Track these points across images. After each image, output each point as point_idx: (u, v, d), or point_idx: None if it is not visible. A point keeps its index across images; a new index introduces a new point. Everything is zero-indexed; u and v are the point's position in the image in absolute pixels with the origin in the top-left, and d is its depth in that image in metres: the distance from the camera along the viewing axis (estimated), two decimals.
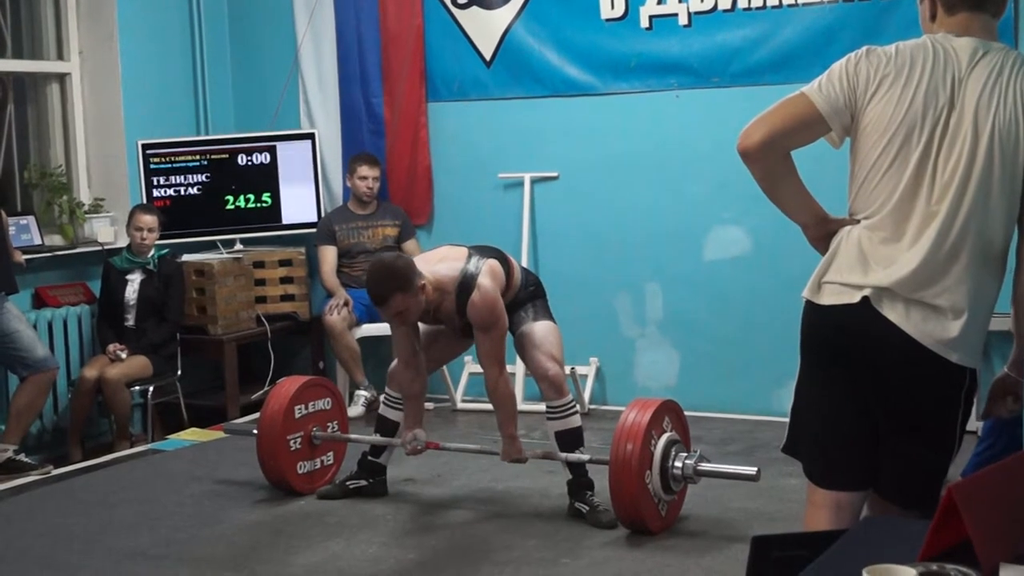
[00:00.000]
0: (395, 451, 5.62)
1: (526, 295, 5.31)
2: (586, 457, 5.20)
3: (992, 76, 2.98)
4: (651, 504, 4.95)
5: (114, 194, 7.61)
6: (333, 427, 5.83)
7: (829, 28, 6.49)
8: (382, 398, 5.70)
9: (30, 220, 7.14)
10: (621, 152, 7.16)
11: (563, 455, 5.22)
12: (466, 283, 5.06)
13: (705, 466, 5.04)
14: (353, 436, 5.89)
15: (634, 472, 4.83)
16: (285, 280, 7.85)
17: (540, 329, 5.28)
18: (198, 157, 7.78)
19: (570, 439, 5.24)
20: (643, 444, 4.86)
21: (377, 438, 5.60)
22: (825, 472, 3.20)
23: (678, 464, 5.00)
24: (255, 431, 5.69)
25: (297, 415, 5.64)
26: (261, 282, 7.79)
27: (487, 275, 5.06)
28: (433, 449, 5.49)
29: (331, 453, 5.86)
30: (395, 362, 5.53)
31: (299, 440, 5.65)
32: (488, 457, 5.83)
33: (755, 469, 4.98)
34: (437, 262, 5.17)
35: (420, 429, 5.38)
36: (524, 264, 7.19)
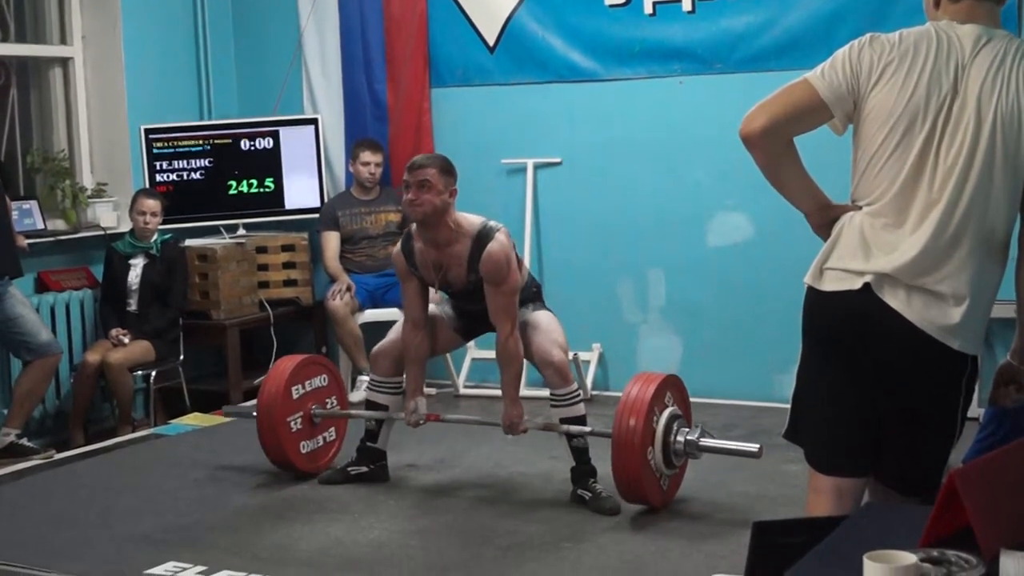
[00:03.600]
0: (392, 434, 5.63)
1: (528, 295, 5.32)
2: (587, 429, 5.20)
3: (995, 63, 2.98)
4: (653, 479, 4.97)
5: (117, 179, 7.61)
6: (332, 403, 5.83)
7: (833, 15, 6.47)
8: (367, 383, 5.70)
9: (33, 205, 7.14)
10: (624, 138, 7.16)
11: (564, 427, 5.21)
12: (485, 233, 5.10)
13: (707, 442, 5.05)
14: (352, 412, 5.89)
15: (636, 448, 4.84)
16: (288, 265, 7.86)
17: (543, 317, 5.31)
18: (201, 142, 7.78)
19: (574, 426, 5.24)
20: (646, 420, 4.87)
21: (374, 413, 5.59)
22: (826, 458, 3.21)
23: (680, 439, 5.01)
24: (255, 413, 5.69)
25: (295, 396, 5.63)
26: (264, 267, 7.79)
27: (504, 234, 5.12)
28: (434, 421, 5.49)
29: (332, 429, 5.86)
30: (380, 344, 5.54)
31: (299, 420, 5.65)
32: (490, 443, 5.85)
33: (757, 446, 4.98)
34: None
35: (422, 398, 5.39)
36: (527, 250, 7.21)
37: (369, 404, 5.62)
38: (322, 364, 5.92)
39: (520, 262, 5.31)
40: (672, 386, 5.13)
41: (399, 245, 5.35)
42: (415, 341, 5.34)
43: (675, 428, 5.01)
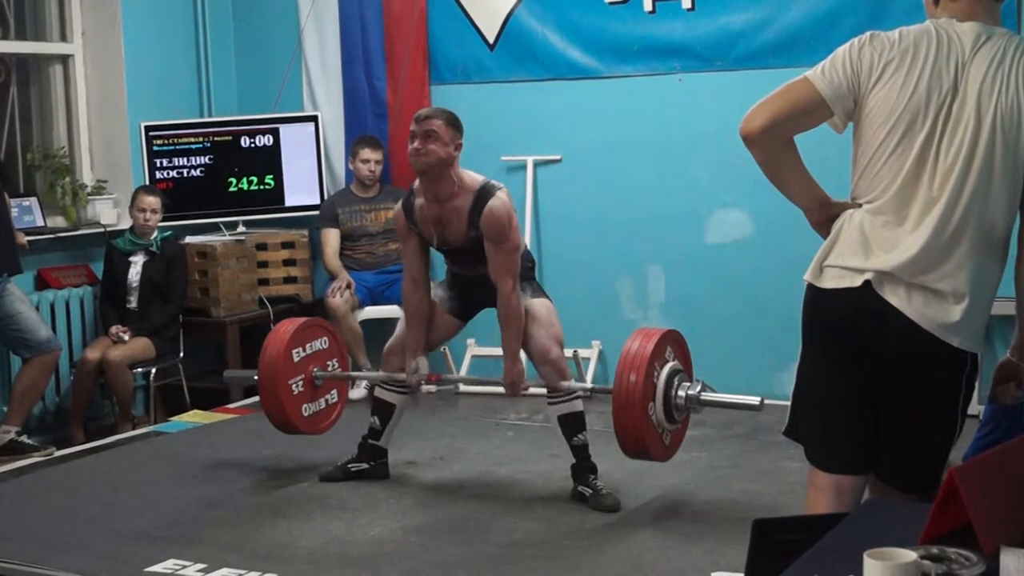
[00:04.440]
0: (395, 433, 5.62)
1: (523, 271, 5.30)
2: (589, 385, 5.20)
3: (995, 62, 2.98)
4: (655, 434, 4.95)
5: (117, 176, 7.61)
6: (333, 365, 5.82)
7: (833, 12, 6.47)
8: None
9: (33, 202, 7.15)
10: (624, 135, 7.16)
11: (564, 383, 5.20)
12: (486, 190, 5.11)
13: (708, 396, 5.02)
14: (355, 374, 5.87)
15: (637, 403, 4.83)
16: (288, 262, 7.86)
17: (542, 307, 5.27)
18: (201, 139, 7.78)
19: (573, 423, 5.23)
20: (646, 375, 4.85)
21: (376, 375, 5.56)
22: (826, 456, 3.21)
23: (681, 394, 4.99)
24: (255, 377, 5.68)
25: (296, 359, 5.60)
26: (264, 264, 7.79)
27: (506, 193, 5.14)
28: (435, 382, 5.50)
29: (335, 391, 5.85)
30: (390, 342, 5.53)
31: (301, 383, 5.63)
32: (490, 440, 5.84)
33: (758, 399, 4.97)
34: None
35: (423, 357, 5.38)
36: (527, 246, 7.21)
37: (376, 402, 5.61)
38: (322, 327, 5.88)
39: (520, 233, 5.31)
40: (672, 341, 5.10)
41: (400, 203, 5.36)
42: (415, 300, 5.33)
43: (676, 383, 4.98)
